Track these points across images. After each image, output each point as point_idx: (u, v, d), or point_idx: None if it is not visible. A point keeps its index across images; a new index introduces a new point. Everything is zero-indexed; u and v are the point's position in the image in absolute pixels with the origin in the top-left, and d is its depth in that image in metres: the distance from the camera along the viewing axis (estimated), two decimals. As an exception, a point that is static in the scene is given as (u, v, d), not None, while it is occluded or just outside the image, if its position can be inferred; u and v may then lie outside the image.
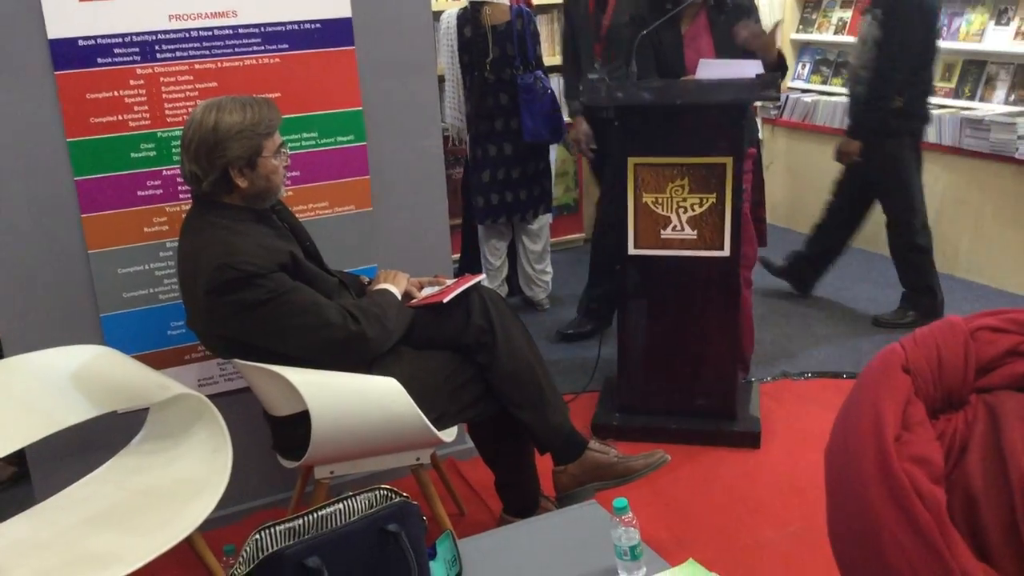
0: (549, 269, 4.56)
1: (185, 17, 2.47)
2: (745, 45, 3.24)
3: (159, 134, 2.52)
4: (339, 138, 2.74)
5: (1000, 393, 0.72)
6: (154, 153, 2.52)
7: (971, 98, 4.66)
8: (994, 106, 4.54)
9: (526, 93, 4.07)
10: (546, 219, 4.46)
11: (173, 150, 2.52)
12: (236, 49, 2.55)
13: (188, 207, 2.32)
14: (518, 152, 4.19)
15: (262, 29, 2.56)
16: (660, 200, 3.03)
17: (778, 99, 3.25)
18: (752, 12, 3.44)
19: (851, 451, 0.73)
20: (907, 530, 0.68)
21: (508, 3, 4.08)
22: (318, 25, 2.62)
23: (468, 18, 4.09)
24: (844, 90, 5.31)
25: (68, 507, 2.21)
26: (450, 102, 4.25)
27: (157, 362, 2.51)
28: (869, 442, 0.71)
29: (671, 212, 3.04)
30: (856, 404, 0.76)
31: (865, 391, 0.76)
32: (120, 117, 2.46)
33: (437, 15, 4.06)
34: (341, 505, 1.71)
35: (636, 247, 3.10)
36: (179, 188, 2.55)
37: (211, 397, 2.24)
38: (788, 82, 5.60)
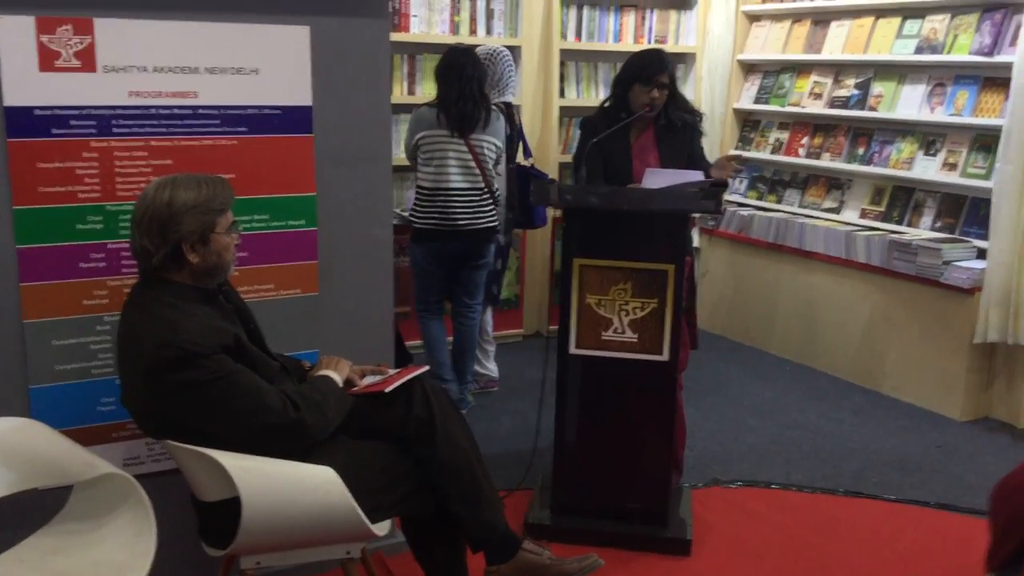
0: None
1: (146, 95, 2.48)
2: (713, 172, 3.37)
3: (108, 207, 2.49)
4: (290, 222, 2.74)
5: None
6: (101, 226, 2.49)
7: (899, 222, 4.88)
8: (921, 231, 4.75)
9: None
10: None
11: (120, 224, 2.49)
12: (194, 128, 2.56)
13: (131, 282, 2.29)
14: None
15: (222, 111, 2.58)
16: (603, 302, 3.09)
17: (719, 212, 3.37)
18: (697, 131, 3.59)
19: None
20: None
21: None
22: (278, 111, 2.65)
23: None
24: (778, 206, 5.52)
25: (-24, 588, 2.11)
26: None
27: (83, 438, 2.43)
28: None
29: (613, 314, 3.09)
30: None
31: None
32: (69, 188, 2.44)
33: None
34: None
35: (577, 347, 3.14)
36: (122, 262, 2.51)
37: (137, 477, 2.17)
38: (727, 196, 5.79)
